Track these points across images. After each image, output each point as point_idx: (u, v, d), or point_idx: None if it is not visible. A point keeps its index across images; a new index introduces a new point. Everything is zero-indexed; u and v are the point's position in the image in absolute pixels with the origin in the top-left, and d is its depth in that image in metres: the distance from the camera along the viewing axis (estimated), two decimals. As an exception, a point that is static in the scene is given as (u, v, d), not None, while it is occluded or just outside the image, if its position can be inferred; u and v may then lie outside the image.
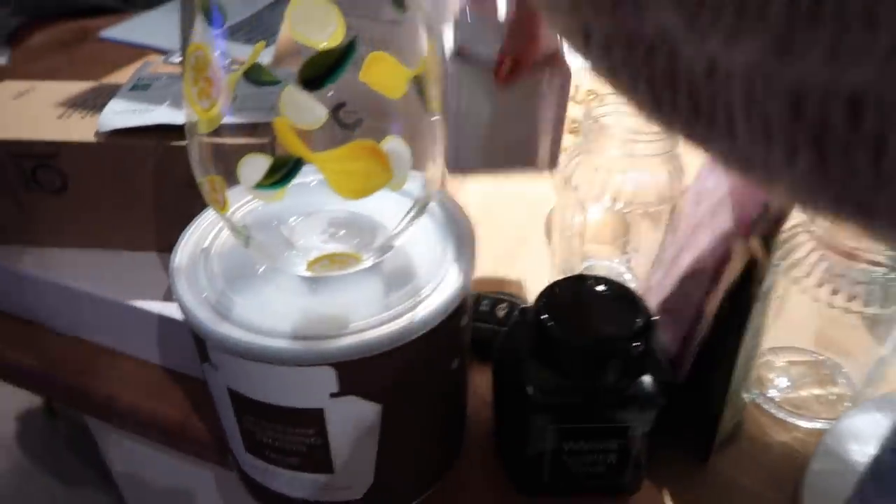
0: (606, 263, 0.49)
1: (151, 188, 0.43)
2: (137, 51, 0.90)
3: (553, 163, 0.43)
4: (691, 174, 0.43)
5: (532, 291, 0.38)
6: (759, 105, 0.13)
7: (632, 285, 0.49)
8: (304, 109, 0.25)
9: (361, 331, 0.28)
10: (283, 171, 0.25)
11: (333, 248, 0.31)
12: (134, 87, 0.44)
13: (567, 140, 0.49)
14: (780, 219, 0.30)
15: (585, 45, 0.17)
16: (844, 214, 0.14)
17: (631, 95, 0.17)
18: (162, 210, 0.43)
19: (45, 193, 0.44)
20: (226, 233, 0.34)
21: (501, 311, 0.43)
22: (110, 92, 0.45)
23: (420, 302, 0.30)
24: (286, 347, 0.27)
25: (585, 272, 0.49)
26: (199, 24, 0.25)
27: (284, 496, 0.34)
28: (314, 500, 0.33)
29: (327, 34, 0.25)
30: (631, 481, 0.36)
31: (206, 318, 0.29)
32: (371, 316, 0.29)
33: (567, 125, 0.50)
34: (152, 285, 0.43)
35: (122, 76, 0.83)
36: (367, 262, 0.30)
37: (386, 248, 0.31)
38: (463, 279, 0.31)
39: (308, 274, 0.30)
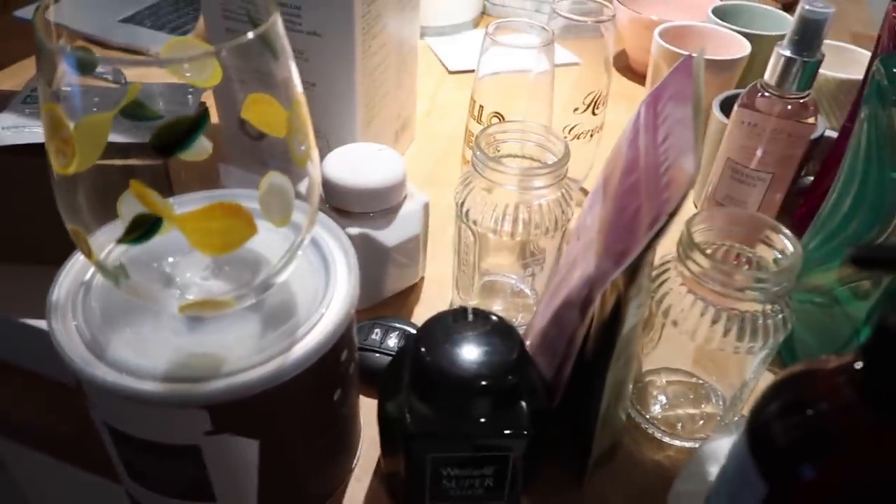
0: (506, 280, 0.50)
1: (31, 203, 0.42)
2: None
3: None
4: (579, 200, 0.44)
5: (431, 311, 0.39)
6: None
7: (531, 300, 0.51)
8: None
9: (233, 374, 0.29)
10: (142, 229, 0.25)
11: (214, 284, 0.32)
12: (25, 100, 0.43)
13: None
14: (642, 257, 0.31)
15: None
16: None
17: None
18: (41, 225, 0.43)
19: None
20: (109, 264, 0.34)
21: (392, 341, 0.44)
22: (4, 99, 0.44)
23: (296, 342, 0.30)
24: (157, 391, 0.28)
25: (488, 283, 0.50)
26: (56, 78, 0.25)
27: (169, 522, 0.35)
28: (198, 527, 0.34)
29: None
30: (509, 502, 0.38)
31: (79, 358, 0.29)
32: (245, 357, 0.29)
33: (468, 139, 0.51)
34: (36, 299, 0.42)
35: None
36: (245, 303, 0.31)
37: (267, 286, 0.32)
38: (342, 317, 0.32)
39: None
